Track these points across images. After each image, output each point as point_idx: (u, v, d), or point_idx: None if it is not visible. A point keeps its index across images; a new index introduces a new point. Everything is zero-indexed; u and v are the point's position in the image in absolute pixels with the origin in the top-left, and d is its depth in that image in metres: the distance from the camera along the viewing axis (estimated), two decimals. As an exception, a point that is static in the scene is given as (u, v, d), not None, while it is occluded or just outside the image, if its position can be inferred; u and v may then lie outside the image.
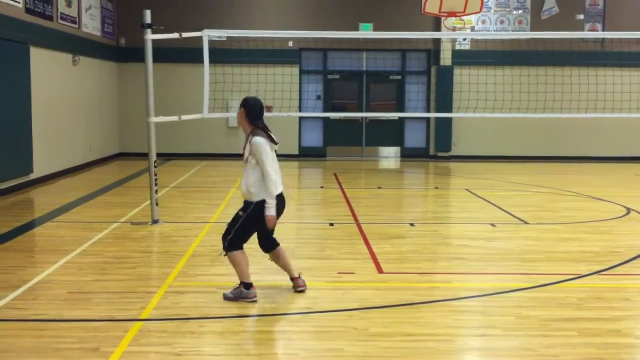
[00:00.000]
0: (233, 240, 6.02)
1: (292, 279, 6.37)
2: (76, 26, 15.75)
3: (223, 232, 6.12)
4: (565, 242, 8.73)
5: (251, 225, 6.05)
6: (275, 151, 6.06)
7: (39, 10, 13.57)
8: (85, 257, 7.66)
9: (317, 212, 11.25)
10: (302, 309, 5.92)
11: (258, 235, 6.23)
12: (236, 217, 6.06)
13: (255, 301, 6.03)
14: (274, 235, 6.29)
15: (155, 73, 9.83)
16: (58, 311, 5.79)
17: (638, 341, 5.35)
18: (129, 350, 4.91)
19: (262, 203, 5.89)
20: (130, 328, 5.34)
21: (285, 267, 6.38)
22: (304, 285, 6.35)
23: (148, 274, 7.09)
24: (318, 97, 19.79)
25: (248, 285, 6.05)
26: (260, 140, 5.89)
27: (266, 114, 6.18)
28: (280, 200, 6.02)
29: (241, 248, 6.08)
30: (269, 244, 6.30)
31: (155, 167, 9.60)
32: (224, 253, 6.09)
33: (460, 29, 18.24)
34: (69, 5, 15.19)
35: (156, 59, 9.72)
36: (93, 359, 4.76)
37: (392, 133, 20.17)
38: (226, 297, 6.09)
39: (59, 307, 5.89)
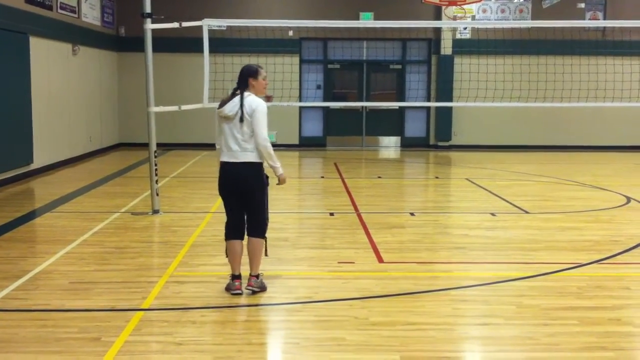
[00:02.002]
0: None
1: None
2: (76, 16, 15.71)
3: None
4: (566, 231, 8.74)
5: (219, 193, 6.08)
6: (227, 117, 5.88)
7: (38, 0, 13.53)
8: (86, 247, 7.67)
9: (317, 202, 11.25)
10: (303, 299, 5.93)
11: None
12: None
13: (236, 294, 5.92)
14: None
15: (155, 63, 9.80)
16: (59, 301, 5.80)
17: (638, 329, 5.34)
18: (130, 339, 4.93)
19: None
20: (131, 318, 5.35)
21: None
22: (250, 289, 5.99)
23: (149, 264, 7.10)
24: (318, 87, 19.75)
25: (231, 277, 6.02)
26: None
27: (266, 104, 6.11)
28: (223, 168, 5.96)
29: (229, 237, 6.02)
30: (247, 227, 6.06)
31: (155, 157, 9.59)
32: None
33: (461, 18, 18.19)
34: (68, -6, 15.15)
35: (156, 48, 9.69)
36: (95, 348, 4.77)
37: (392, 122, 20.14)
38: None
39: (61, 297, 5.90)
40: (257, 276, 6.05)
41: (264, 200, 6.01)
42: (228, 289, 6.01)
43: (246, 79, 5.96)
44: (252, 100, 5.89)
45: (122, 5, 18.90)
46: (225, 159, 5.94)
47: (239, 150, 5.86)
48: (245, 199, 5.96)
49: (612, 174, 14.55)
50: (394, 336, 5.04)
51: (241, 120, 5.82)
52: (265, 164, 5.98)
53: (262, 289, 6.04)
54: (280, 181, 6.09)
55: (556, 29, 17.04)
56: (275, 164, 5.94)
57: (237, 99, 5.90)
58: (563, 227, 8.95)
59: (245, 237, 6.08)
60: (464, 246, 7.96)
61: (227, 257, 6.11)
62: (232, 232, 6.04)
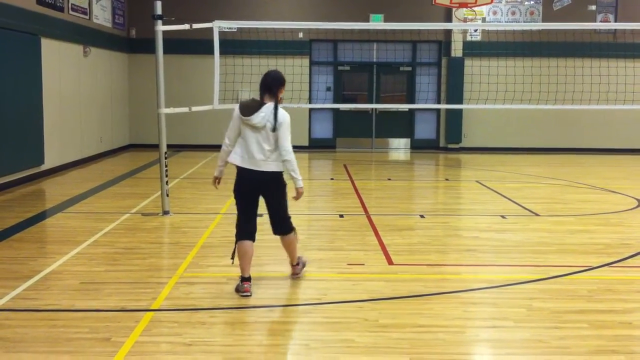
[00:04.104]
0: (236, 225, 6.13)
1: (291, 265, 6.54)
2: (87, 17, 15.78)
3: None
4: (576, 234, 8.71)
5: (235, 196, 6.13)
6: (254, 126, 5.91)
7: (50, 2, 13.60)
8: (97, 247, 7.70)
9: (327, 204, 11.25)
10: (312, 300, 5.93)
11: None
12: None
13: (245, 296, 5.93)
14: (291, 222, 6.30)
15: (166, 64, 9.83)
16: (70, 301, 5.82)
17: (649, 333, 5.33)
18: (140, 340, 4.94)
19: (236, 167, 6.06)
20: (141, 318, 5.37)
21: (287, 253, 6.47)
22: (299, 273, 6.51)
23: (159, 265, 7.12)
24: (328, 89, 19.76)
25: (241, 279, 6.02)
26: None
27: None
28: (242, 173, 6.00)
29: (240, 238, 6.04)
30: (272, 227, 6.24)
31: (165, 158, 9.62)
32: None
33: (471, 20, 18.16)
34: (79, -4, 15.22)
35: (167, 50, 9.73)
36: (105, 348, 4.79)
37: (402, 124, 20.13)
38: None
39: (71, 298, 5.93)
40: (298, 264, 6.46)
41: (285, 201, 6.14)
42: (237, 290, 6.02)
43: (278, 88, 6.02)
44: (282, 112, 5.97)
45: (133, 7, 18.97)
46: (245, 165, 5.96)
47: (263, 160, 5.93)
48: (266, 198, 6.08)
49: (623, 177, 14.49)
50: (404, 338, 5.04)
51: (273, 130, 5.88)
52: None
53: (304, 265, 6.55)
54: (298, 194, 6.09)
55: (567, 32, 16.99)
56: (298, 176, 6.01)
57: (266, 109, 5.92)
58: (573, 230, 8.92)
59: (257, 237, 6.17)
60: (473, 248, 7.95)
61: (232, 259, 6.12)
62: (244, 232, 6.05)
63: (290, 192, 6.15)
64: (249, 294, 5.96)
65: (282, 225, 6.20)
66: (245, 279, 6.01)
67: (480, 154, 18.99)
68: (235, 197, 6.12)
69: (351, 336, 5.06)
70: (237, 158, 5.99)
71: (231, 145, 6.09)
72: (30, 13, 12.71)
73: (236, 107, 6.04)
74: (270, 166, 5.93)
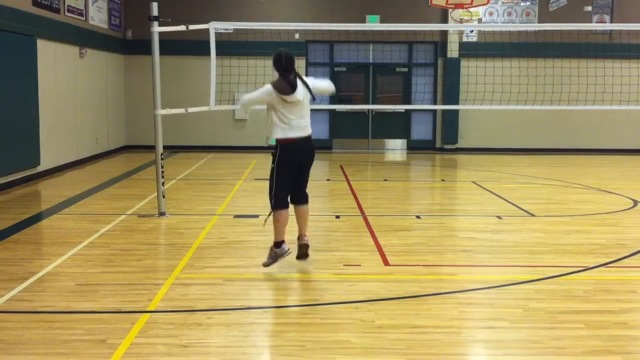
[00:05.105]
0: (272, 196, 6.65)
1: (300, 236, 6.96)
2: (83, 18, 15.76)
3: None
4: (572, 234, 8.72)
5: (280, 169, 6.61)
6: (298, 101, 6.54)
7: (46, 3, 13.58)
8: (93, 249, 7.69)
9: (323, 205, 11.23)
10: (308, 301, 5.94)
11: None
12: (270, 172, 6.68)
13: (287, 253, 6.64)
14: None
15: (162, 65, 9.82)
16: (66, 303, 5.81)
17: (645, 334, 5.33)
18: (136, 342, 4.93)
19: (280, 143, 6.54)
20: (137, 320, 5.36)
21: (299, 224, 6.94)
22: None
23: (155, 266, 7.11)
24: (324, 89, 19.72)
25: (278, 244, 6.63)
26: (266, 85, 6.61)
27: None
28: (290, 145, 6.56)
29: (283, 207, 6.65)
30: (295, 197, 6.81)
31: (162, 159, 9.61)
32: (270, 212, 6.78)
33: (467, 20, 18.19)
34: (75, -3, 15.21)
35: (163, 51, 9.71)
36: (101, 350, 4.78)
37: (398, 125, 20.14)
38: (265, 265, 6.66)
39: (67, 299, 5.92)
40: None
41: None
42: (280, 254, 6.56)
43: (294, 64, 6.63)
44: (306, 78, 6.74)
45: (129, 8, 18.96)
46: (296, 135, 6.56)
47: (307, 125, 6.66)
48: (305, 167, 6.79)
49: (619, 177, 14.51)
50: (400, 339, 5.04)
51: (314, 99, 6.70)
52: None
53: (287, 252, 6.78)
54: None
55: (563, 32, 17.03)
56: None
57: (299, 83, 6.54)
58: (569, 230, 8.93)
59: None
60: (470, 249, 7.95)
61: (265, 224, 6.87)
62: (285, 202, 6.69)
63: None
64: (288, 250, 6.65)
65: (305, 194, 6.89)
66: (282, 242, 6.63)
67: (476, 154, 19.01)
68: (278, 171, 6.61)
69: (347, 337, 5.06)
70: (280, 133, 6.54)
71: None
72: (26, 14, 12.69)
73: (268, 86, 6.54)
74: (310, 129, 6.69)
